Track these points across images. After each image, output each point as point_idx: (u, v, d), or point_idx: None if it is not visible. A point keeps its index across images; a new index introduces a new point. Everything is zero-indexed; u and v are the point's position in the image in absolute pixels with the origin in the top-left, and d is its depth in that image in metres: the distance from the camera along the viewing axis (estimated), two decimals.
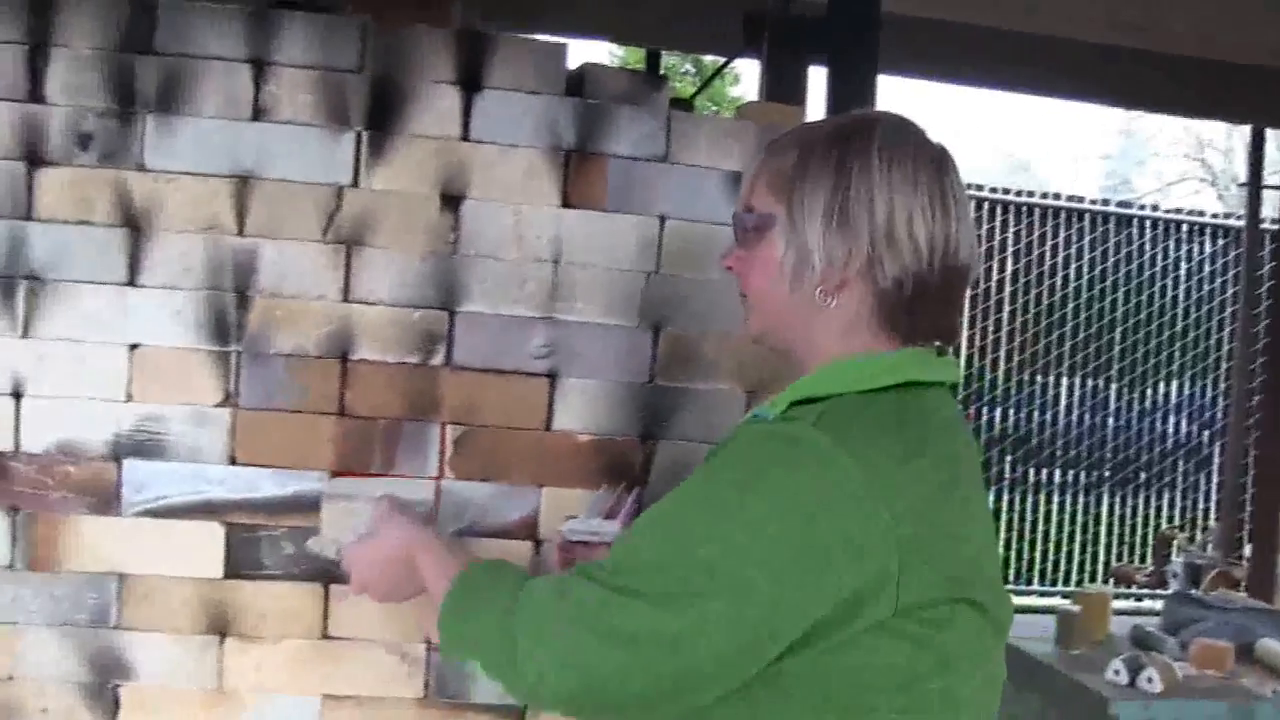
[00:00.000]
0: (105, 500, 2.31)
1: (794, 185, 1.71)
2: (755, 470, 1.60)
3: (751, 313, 1.82)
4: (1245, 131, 9.93)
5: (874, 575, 1.55)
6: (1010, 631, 1.81)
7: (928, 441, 1.66)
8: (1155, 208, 10.36)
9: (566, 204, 2.41)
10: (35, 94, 2.29)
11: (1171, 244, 9.82)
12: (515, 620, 1.68)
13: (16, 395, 2.29)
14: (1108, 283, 9.62)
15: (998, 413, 9.56)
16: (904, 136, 1.73)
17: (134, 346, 2.31)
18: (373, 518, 2.01)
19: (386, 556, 1.97)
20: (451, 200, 2.37)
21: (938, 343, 1.78)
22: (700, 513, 1.61)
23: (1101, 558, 9.93)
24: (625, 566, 1.63)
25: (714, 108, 13.89)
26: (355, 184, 2.35)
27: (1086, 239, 9.63)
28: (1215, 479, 9.83)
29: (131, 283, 2.31)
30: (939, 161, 1.73)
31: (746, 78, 16.51)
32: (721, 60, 8.41)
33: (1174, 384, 9.91)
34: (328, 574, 2.35)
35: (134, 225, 2.30)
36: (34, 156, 2.29)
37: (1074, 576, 9.74)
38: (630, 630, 1.58)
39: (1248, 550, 8.00)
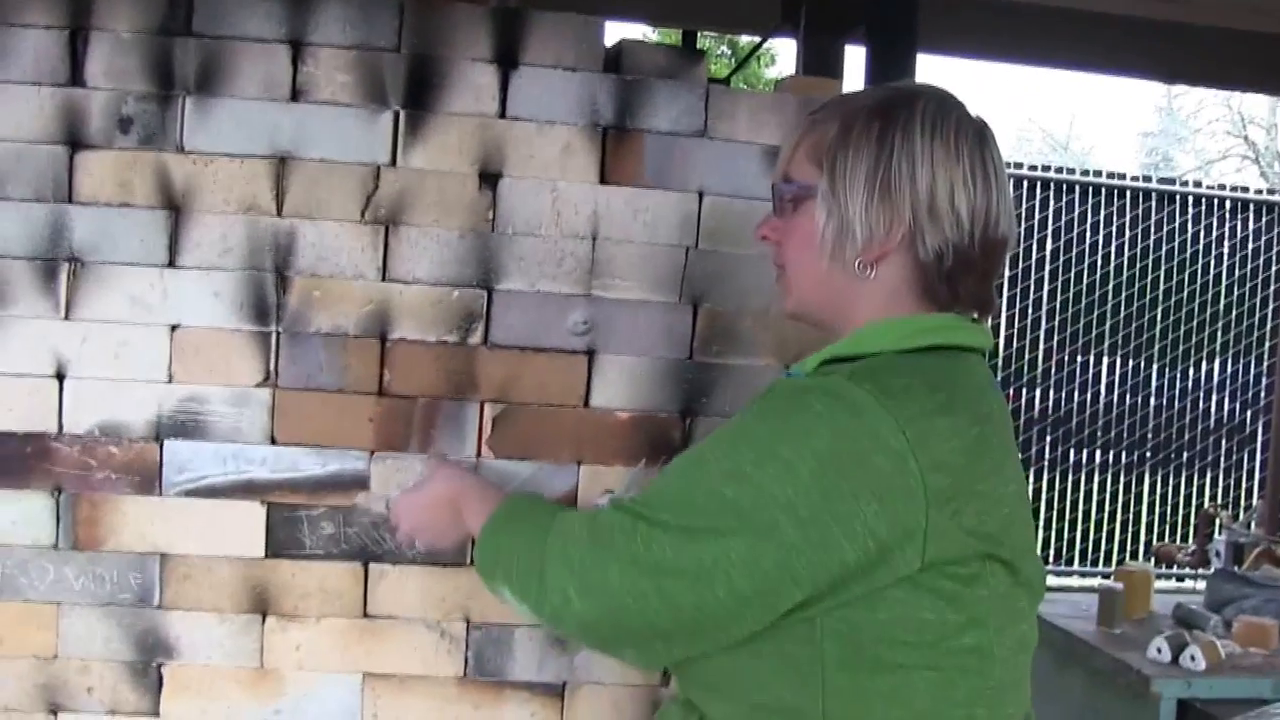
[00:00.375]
0: (147, 480, 2.33)
1: (835, 156, 1.72)
2: (788, 416, 1.62)
3: (787, 284, 1.83)
4: None
5: (902, 524, 1.57)
6: (1046, 604, 1.82)
7: (961, 400, 1.66)
8: (1197, 184, 10.27)
9: (604, 180, 2.40)
10: (76, 78, 2.29)
11: (1214, 221, 9.72)
12: (547, 545, 1.74)
13: (59, 377, 2.30)
14: (1149, 260, 9.54)
15: (1037, 393, 9.51)
16: (946, 109, 1.73)
17: (174, 327, 2.32)
18: (423, 472, 2.13)
19: (433, 500, 2.04)
20: (489, 178, 2.37)
21: (974, 314, 1.79)
22: (731, 454, 1.64)
23: (1142, 538, 9.88)
24: (655, 501, 1.69)
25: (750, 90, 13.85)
26: (393, 163, 2.35)
27: (1127, 216, 9.55)
28: (1258, 457, 9.76)
29: (172, 264, 2.31)
30: (980, 134, 1.74)
31: (782, 59, 16.46)
32: (757, 40, 8.38)
33: (1216, 362, 9.83)
34: (368, 553, 2.36)
35: (174, 207, 2.31)
36: (75, 140, 2.29)
37: (1115, 557, 9.68)
38: (653, 559, 1.62)
39: None
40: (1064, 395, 9.60)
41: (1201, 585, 5.80)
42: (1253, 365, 9.85)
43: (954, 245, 1.70)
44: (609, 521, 1.69)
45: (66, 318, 2.29)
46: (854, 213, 1.70)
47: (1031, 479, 9.39)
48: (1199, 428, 9.87)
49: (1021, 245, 9.25)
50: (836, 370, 1.67)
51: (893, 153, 1.69)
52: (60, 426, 2.30)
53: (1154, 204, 9.61)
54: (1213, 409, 9.89)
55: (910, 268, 1.72)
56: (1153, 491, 9.88)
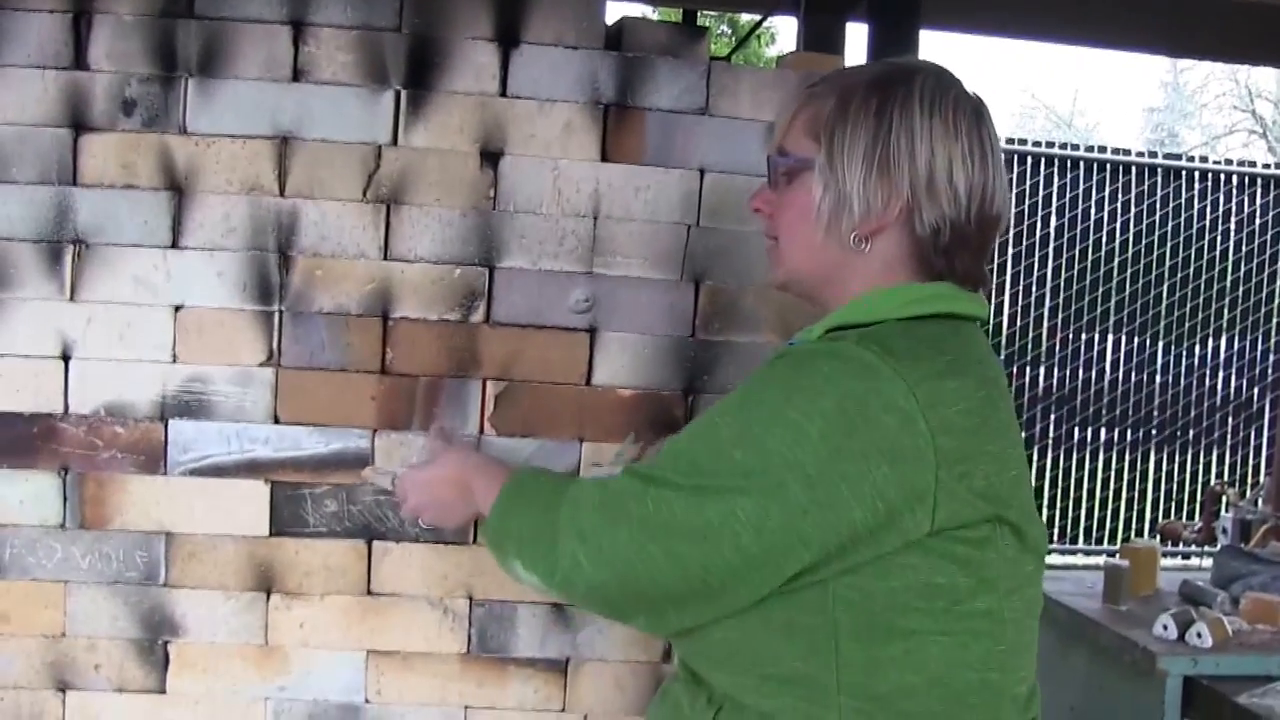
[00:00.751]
0: (153, 460, 2.34)
1: (834, 130, 1.72)
2: (796, 379, 1.63)
3: (780, 256, 1.83)
4: None
5: (912, 486, 1.58)
6: (1052, 581, 1.83)
7: (967, 364, 1.68)
8: (1203, 160, 10.23)
9: (606, 158, 2.41)
10: (79, 61, 2.30)
11: (1220, 196, 9.69)
12: (558, 513, 1.75)
13: (65, 358, 2.31)
14: (1154, 237, 9.52)
15: (1042, 371, 9.49)
16: (944, 86, 1.74)
17: (178, 308, 2.33)
18: (426, 446, 2.16)
19: (441, 478, 2.04)
20: (490, 156, 2.38)
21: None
22: (740, 417, 1.66)
23: (1148, 516, 9.87)
24: (665, 464, 1.70)
25: None
26: (395, 142, 2.36)
27: (1133, 193, 9.52)
28: (1265, 434, 9.75)
29: (175, 245, 2.33)
30: (976, 111, 1.75)
31: (783, 37, 16.41)
32: (757, 18, 8.35)
33: (1222, 339, 9.80)
34: (371, 531, 2.38)
35: (177, 188, 2.32)
36: (79, 123, 2.31)
37: (1121, 535, 9.67)
38: (662, 520, 1.64)
39: None
40: (1069, 373, 9.58)
41: (1208, 562, 5.80)
42: (1260, 342, 9.83)
43: (950, 221, 1.71)
44: (619, 487, 1.71)
45: (71, 299, 2.31)
46: (851, 186, 1.71)
47: (1037, 457, 9.39)
48: (1205, 405, 9.85)
49: (1026, 223, 9.23)
50: (843, 337, 1.68)
51: (891, 128, 1.69)
52: (66, 407, 2.32)
53: (1159, 180, 9.57)
54: (1219, 386, 9.87)
55: (906, 243, 1.73)
56: (1159, 469, 9.87)
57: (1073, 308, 9.45)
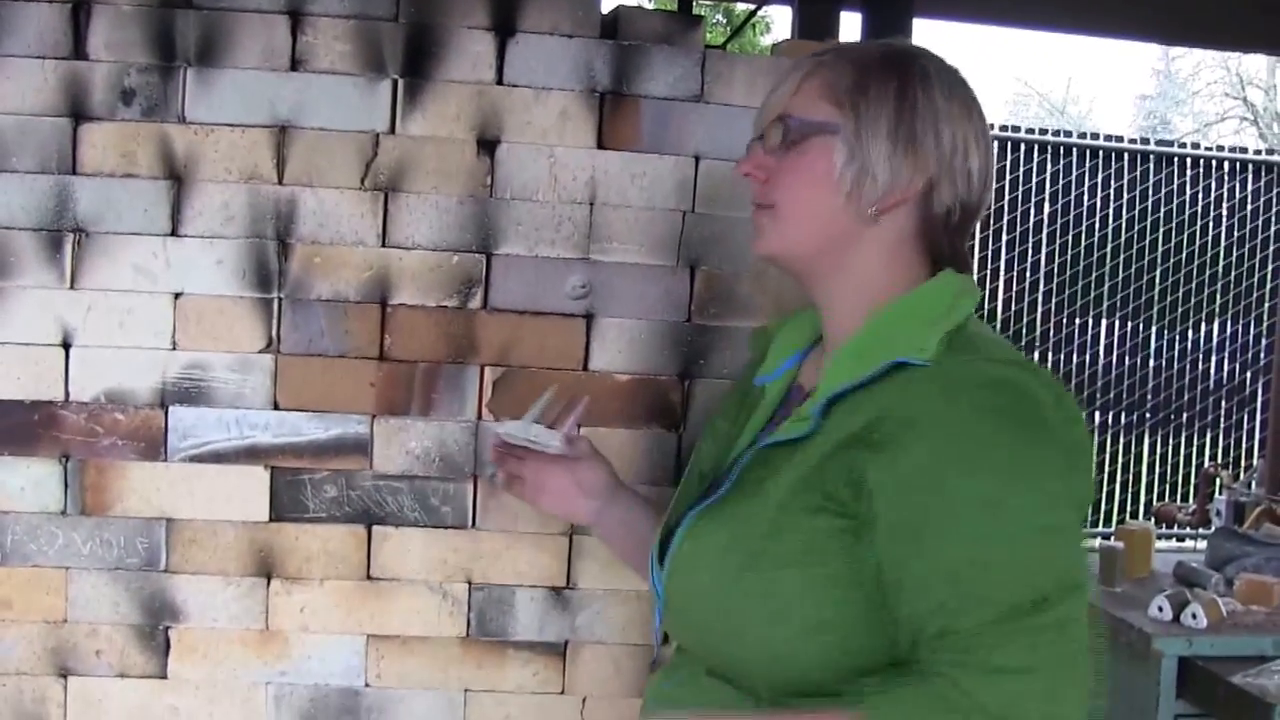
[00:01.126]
0: (153, 447, 2.36)
1: (857, 99, 1.69)
2: (1023, 454, 1.56)
3: (777, 225, 1.75)
4: None
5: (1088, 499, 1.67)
6: None
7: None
8: (1195, 146, 10.26)
9: (602, 145, 2.42)
10: (78, 51, 2.31)
11: (1212, 182, 9.72)
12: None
13: (65, 346, 2.33)
14: (1147, 222, 9.54)
15: (1036, 355, 9.50)
16: (951, 70, 1.75)
17: (178, 295, 2.34)
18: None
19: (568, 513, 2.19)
20: (487, 144, 2.39)
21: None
22: (993, 525, 1.54)
23: (1143, 498, 9.91)
24: (983, 628, 1.51)
25: None
26: (392, 131, 2.37)
27: (1125, 178, 9.55)
28: (1258, 417, 9.78)
29: (174, 233, 2.34)
30: (976, 97, 1.76)
31: (778, 26, 16.42)
32: (752, 7, 8.36)
33: (1215, 323, 9.84)
34: (371, 516, 2.39)
35: (176, 177, 2.33)
36: (78, 112, 2.31)
37: (1115, 517, 9.71)
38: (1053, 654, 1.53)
39: None
40: (1063, 357, 9.61)
41: (1202, 545, 5.83)
42: (1252, 326, 9.86)
43: (962, 202, 1.72)
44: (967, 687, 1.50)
45: (71, 287, 2.32)
46: (877, 157, 1.68)
47: None
48: (1198, 388, 9.89)
49: (1020, 209, 9.26)
50: (963, 350, 1.64)
51: (916, 105, 1.68)
52: (67, 394, 2.33)
53: (1152, 166, 9.60)
54: (1212, 370, 9.91)
55: (917, 220, 1.73)
56: (1153, 452, 9.90)
57: (1066, 293, 9.48)
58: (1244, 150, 10.44)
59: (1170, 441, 9.89)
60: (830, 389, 1.67)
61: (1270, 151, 11.02)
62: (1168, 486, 9.89)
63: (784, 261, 1.79)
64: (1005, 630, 1.50)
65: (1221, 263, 9.73)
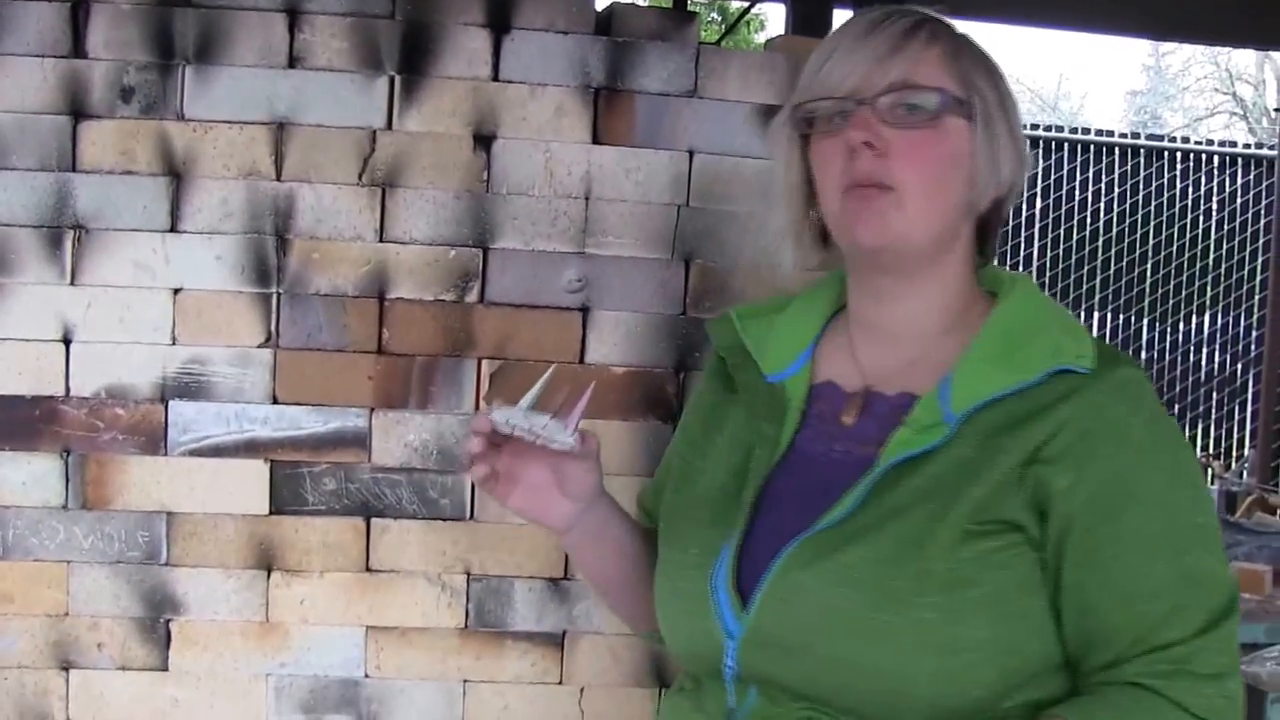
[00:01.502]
0: (153, 441, 2.37)
1: (982, 80, 1.55)
2: (1184, 462, 1.53)
3: (897, 209, 1.52)
4: (1278, 61, 9.84)
5: None
6: None
7: None
8: (1185, 141, 10.29)
9: (597, 141, 2.44)
10: (78, 50, 2.33)
11: (1202, 176, 9.76)
12: None
13: (66, 341, 2.34)
14: (1138, 216, 9.57)
15: None
16: None
17: (177, 291, 2.36)
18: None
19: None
20: (483, 140, 2.41)
21: None
22: (1189, 533, 1.48)
23: None
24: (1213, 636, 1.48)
25: None
26: (389, 127, 2.39)
27: (1117, 172, 9.58)
28: (1249, 408, 9.81)
29: (174, 229, 2.35)
30: None
31: (772, 23, 16.38)
32: (746, 4, 8.37)
33: (1206, 315, 9.87)
34: (369, 508, 2.41)
35: (175, 173, 2.35)
36: (78, 110, 2.33)
37: None
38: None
39: None
40: None
41: None
42: (1242, 318, 9.90)
43: (1004, 200, 1.61)
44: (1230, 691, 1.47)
45: (72, 283, 2.34)
46: (1003, 145, 1.54)
47: None
48: (1190, 380, 9.92)
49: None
50: (1108, 358, 1.52)
51: (1011, 93, 1.58)
52: (67, 390, 2.35)
53: (1142, 160, 9.65)
54: (1203, 361, 9.95)
55: (974, 219, 1.60)
56: None
57: (1059, 286, 9.51)
58: (1233, 144, 10.47)
59: None
60: (975, 395, 1.50)
61: (1259, 146, 11.04)
62: None
63: (891, 253, 1.55)
64: (1209, 638, 1.45)
65: (1212, 255, 9.76)
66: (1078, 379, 1.47)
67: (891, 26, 1.52)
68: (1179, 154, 9.80)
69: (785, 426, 1.63)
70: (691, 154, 2.46)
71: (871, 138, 1.49)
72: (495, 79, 2.41)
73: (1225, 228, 9.80)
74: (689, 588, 1.59)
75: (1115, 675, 1.45)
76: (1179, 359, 9.87)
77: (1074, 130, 9.96)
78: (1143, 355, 9.76)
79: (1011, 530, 1.46)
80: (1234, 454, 9.69)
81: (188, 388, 2.37)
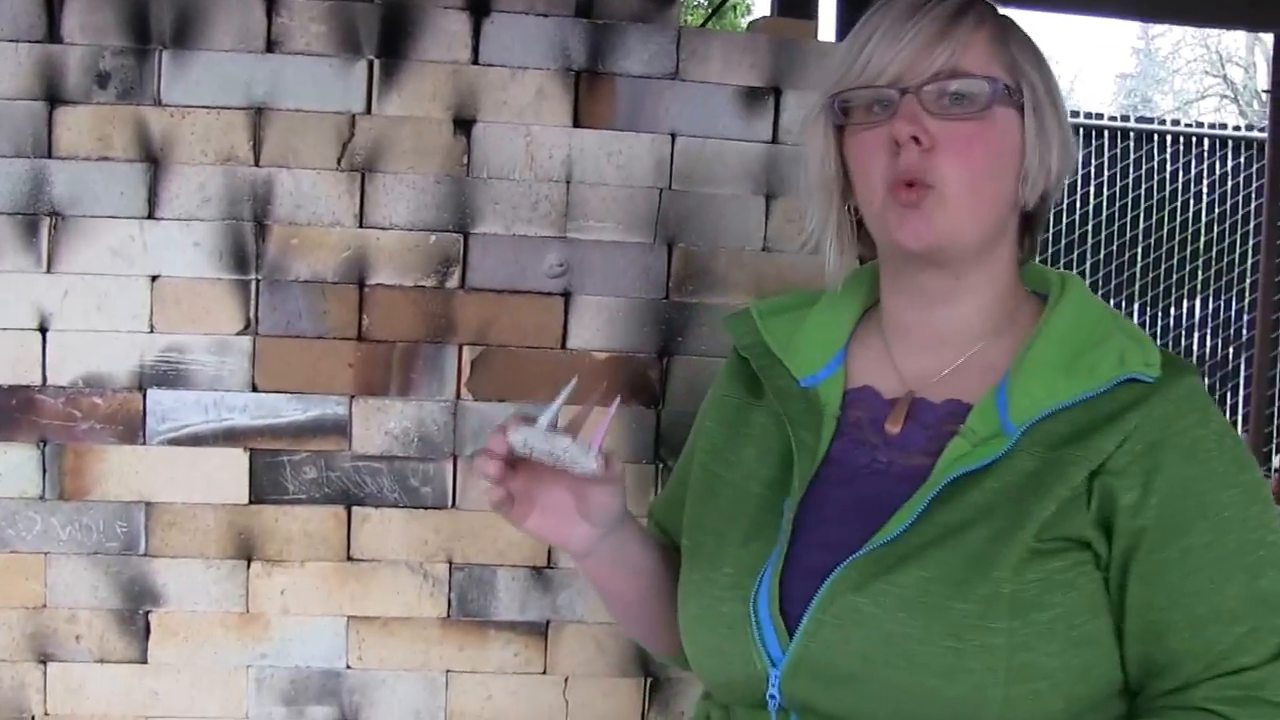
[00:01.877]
0: (131, 430, 2.35)
1: (1030, 67, 1.49)
2: (1246, 468, 1.46)
3: (942, 208, 1.46)
4: (1268, 43, 9.84)
5: None
6: None
7: None
8: (1176, 124, 10.28)
9: (578, 124, 2.42)
10: (53, 34, 2.30)
11: (1193, 159, 9.76)
12: None
13: (42, 330, 2.32)
14: (1128, 199, 9.57)
15: None
16: None
17: (155, 278, 2.34)
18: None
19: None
20: (463, 124, 2.39)
21: None
22: (1264, 552, 1.42)
23: None
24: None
25: None
26: (368, 111, 2.37)
27: (1106, 156, 9.58)
28: (1241, 392, 9.82)
29: (151, 215, 2.33)
30: None
31: (757, 7, 16.35)
32: None
33: (1197, 299, 9.88)
34: (350, 497, 2.39)
35: (152, 159, 2.33)
36: (53, 96, 2.31)
37: None
38: None
39: (1276, 462, 8.02)
40: None
41: None
42: (1234, 302, 9.91)
43: (1049, 194, 1.56)
44: None
45: (48, 271, 2.31)
46: (1052, 135, 1.49)
47: None
48: None
49: None
50: (1173, 367, 1.47)
51: (1058, 85, 1.52)
52: (44, 378, 2.32)
53: (1132, 143, 9.65)
54: (1194, 346, 9.95)
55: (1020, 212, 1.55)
56: None
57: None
58: (1224, 127, 10.46)
59: None
60: (1037, 405, 1.44)
61: (1250, 128, 11.03)
62: None
63: (936, 252, 1.49)
64: None
65: (1203, 239, 9.77)
66: (1144, 388, 1.43)
67: (937, 7, 1.46)
68: (1169, 137, 9.80)
69: (823, 435, 1.56)
70: (674, 137, 2.44)
71: (918, 131, 1.42)
72: (475, 62, 2.39)
73: (1216, 211, 9.81)
74: (724, 610, 1.52)
75: (1183, 699, 1.40)
76: (1170, 343, 9.87)
77: None
78: None
79: (1079, 548, 1.41)
80: None
81: (166, 376, 2.35)
